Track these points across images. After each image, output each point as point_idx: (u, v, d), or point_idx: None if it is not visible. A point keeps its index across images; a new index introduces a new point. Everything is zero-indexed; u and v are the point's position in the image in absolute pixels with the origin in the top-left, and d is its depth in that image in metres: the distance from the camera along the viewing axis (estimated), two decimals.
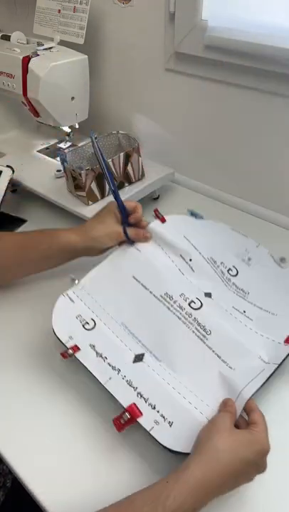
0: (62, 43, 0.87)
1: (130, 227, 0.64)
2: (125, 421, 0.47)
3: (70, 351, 0.52)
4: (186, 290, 0.59)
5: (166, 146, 0.95)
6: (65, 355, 0.52)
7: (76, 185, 0.77)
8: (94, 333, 0.55)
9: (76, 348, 0.53)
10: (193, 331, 0.55)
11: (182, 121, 0.89)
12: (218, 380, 0.51)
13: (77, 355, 0.52)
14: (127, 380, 0.50)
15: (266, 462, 0.43)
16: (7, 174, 0.82)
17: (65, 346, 0.53)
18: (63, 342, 0.54)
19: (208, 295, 0.59)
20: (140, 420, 0.47)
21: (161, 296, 0.58)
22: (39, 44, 0.83)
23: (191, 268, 0.63)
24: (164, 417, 0.47)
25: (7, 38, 0.91)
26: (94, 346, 0.53)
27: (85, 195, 0.77)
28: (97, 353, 0.53)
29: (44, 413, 0.54)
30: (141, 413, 0.47)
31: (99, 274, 0.62)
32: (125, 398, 0.49)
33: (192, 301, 0.57)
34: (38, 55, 0.80)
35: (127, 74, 0.93)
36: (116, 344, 0.54)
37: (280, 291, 0.63)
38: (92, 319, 0.57)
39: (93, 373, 0.51)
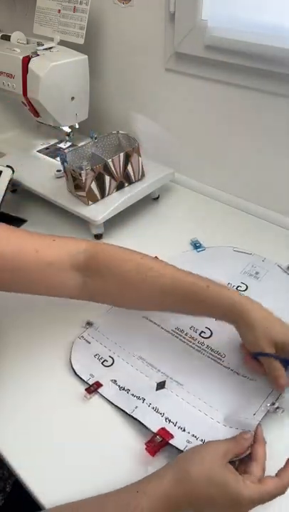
0: (62, 43, 0.87)
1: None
2: (157, 444, 0.47)
3: (94, 386, 0.54)
4: (195, 323, 0.62)
5: (166, 146, 0.95)
6: (90, 390, 0.54)
7: (76, 185, 0.77)
8: (113, 369, 0.57)
9: (98, 384, 0.54)
10: (208, 356, 0.58)
11: (182, 121, 0.89)
12: (240, 392, 0.52)
13: (101, 390, 0.54)
14: (154, 407, 0.51)
15: None
16: (7, 174, 0.82)
17: (88, 383, 0.55)
18: (85, 380, 0.55)
19: None
20: (173, 442, 0.47)
21: (173, 330, 0.62)
22: (39, 44, 0.83)
23: None
24: (195, 437, 0.48)
25: (7, 38, 0.91)
26: (115, 381, 0.55)
27: (85, 195, 0.77)
28: (119, 386, 0.54)
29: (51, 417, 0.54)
30: (172, 435, 0.48)
31: (111, 316, 0.64)
32: (154, 424, 0.49)
33: (202, 332, 0.61)
34: (38, 55, 0.80)
35: (127, 74, 0.93)
36: (137, 376, 0.56)
37: None
38: (110, 356, 0.58)
39: (118, 406, 0.52)
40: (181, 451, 0.46)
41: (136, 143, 0.80)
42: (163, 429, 0.49)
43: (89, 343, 0.60)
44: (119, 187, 0.81)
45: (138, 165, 0.81)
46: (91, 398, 0.54)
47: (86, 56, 0.84)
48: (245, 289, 0.67)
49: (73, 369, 0.57)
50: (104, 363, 0.57)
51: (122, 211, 0.80)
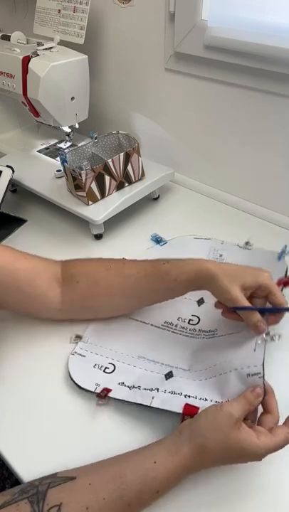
0: (62, 43, 0.87)
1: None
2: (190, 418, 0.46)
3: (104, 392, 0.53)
4: (181, 312, 0.64)
5: (166, 146, 0.95)
6: (100, 395, 0.52)
7: (76, 185, 0.77)
8: (117, 373, 0.56)
9: (108, 390, 0.53)
10: (204, 337, 0.59)
11: (182, 121, 0.89)
12: (241, 346, 0.53)
13: (111, 394, 0.52)
14: (170, 392, 0.51)
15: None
16: (7, 174, 0.82)
17: (95, 393, 0.53)
18: (92, 390, 0.53)
19: (200, 301, 0.65)
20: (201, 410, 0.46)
21: (162, 325, 0.62)
22: (39, 44, 0.83)
23: None
24: (218, 402, 0.48)
25: (7, 38, 0.91)
26: (123, 383, 0.54)
27: (85, 195, 0.77)
28: (129, 386, 0.53)
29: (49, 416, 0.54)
30: (197, 408, 0.47)
31: (98, 325, 0.63)
32: (176, 405, 0.48)
33: (190, 320, 0.63)
34: (38, 55, 0.80)
35: (127, 74, 0.93)
36: (143, 373, 0.55)
37: None
38: (110, 363, 0.57)
39: (135, 402, 0.51)
40: None
41: (136, 143, 0.80)
42: (187, 404, 0.48)
43: (84, 356, 0.58)
44: (119, 187, 0.81)
45: (138, 165, 0.81)
46: (104, 404, 0.53)
47: (86, 56, 0.84)
48: None
49: (77, 385, 0.54)
50: (106, 371, 0.56)
51: (122, 211, 0.80)
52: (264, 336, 0.51)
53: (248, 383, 0.48)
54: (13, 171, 0.82)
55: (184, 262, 0.55)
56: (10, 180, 0.82)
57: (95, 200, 0.79)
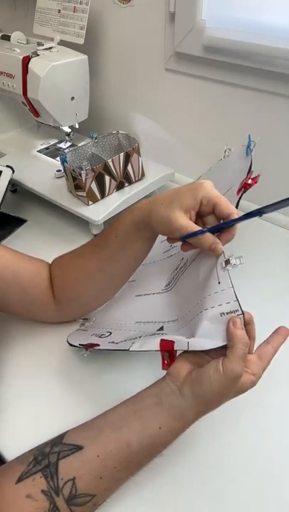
0: (62, 43, 0.87)
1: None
2: (168, 359, 0.45)
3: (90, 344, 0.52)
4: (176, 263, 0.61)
5: (166, 146, 0.95)
6: (88, 345, 0.52)
7: (76, 185, 0.77)
8: (111, 337, 0.54)
9: (94, 344, 0.52)
10: (182, 274, 0.56)
11: (182, 121, 0.89)
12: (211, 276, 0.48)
13: (97, 348, 0.51)
14: (151, 334, 0.49)
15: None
16: (7, 174, 0.82)
17: (83, 346, 0.53)
18: (81, 344, 0.53)
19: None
20: (176, 346, 0.44)
21: (166, 286, 0.60)
22: (39, 44, 0.83)
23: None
24: (188, 338, 0.45)
25: (7, 38, 0.91)
26: (113, 341, 0.52)
27: (85, 195, 0.77)
28: (116, 343, 0.51)
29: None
30: (172, 341, 0.44)
31: (104, 309, 0.63)
32: (154, 344, 0.45)
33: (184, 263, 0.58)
34: (38, 55, 0.81)
35: (127, 74, 0.93)
36: (136, 334, 0.52)
37: None
38: (107, 331, 0.56)
39: (115, 349, 0.49)
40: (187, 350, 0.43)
41: (136, 143, 0.80)
42: (162, 340, 0.45)
43: (86, 330, 0.59)
44: (119, 187, 0.81)
45: (138, 165, 0.81)
46: (90, 353, 0.53)
47: (86, 56, 0.84)
48: None
49: (69, 343, 0.55)
50: (102, 336, 0.55)
51: (122, 211, 0.80)
52: (224, 264, 0.45)
53: (221, 322, 0.43)
54: (13, 171, 0.82)
55: (123, 215, 0.52)
56: (10, 180, 0.82)
57: (95, 200, 0.79)
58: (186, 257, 0.57)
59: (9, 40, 0.90)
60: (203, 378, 0.40)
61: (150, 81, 0.89)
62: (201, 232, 0.45)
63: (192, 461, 0.49)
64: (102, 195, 0.79)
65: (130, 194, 0.80)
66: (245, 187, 0.54)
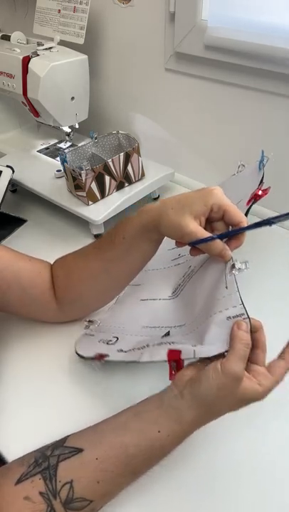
0: (62, 43, 0.87)
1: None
2: (176, 369, 0.44)
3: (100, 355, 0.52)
4: (184, 269, 0.60)
5: (166, 146, 0.95)
6: (97, 357, 0.52)
7: (76, 185, 0.77)
8: (119, 343, 0.54)
9: (103, 355, 0.52)
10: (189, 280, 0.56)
11: (182, 121, 0.89)
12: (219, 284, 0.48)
13: (107, 359, 0.51)
14: (158, 343, 0.48)
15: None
16: (7, 174, 0.82)
17: (92, 358, 0.53)
18: (92, 356, 0.53)
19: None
20: (182, 355, 0.44)
21: (172, 292, 0.59)
22: (39, 44, 0.83)
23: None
24: (194, 345, 0.44)
25: (7, 38, 0.91)
26: (121, 349, 0.52)
27: (85, 195, 0.77)
28: (125, 351, 0.51)
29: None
30: (178, 351, 0.44)
31: (110, 311, 0.63)
32: (163, 354, 0.45)
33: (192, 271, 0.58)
34: (38, 55, 0.80)
35: (127, 74, 0.93)
36: (143, 339, 0.53)
37: None
38: (114, 336, 0.56)
39: (125, 361, 0.49)
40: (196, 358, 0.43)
41: (136, 143, 0.80)
42: (169, 350, 0.44)
43: (92, 335, 0.59)
44: (119, 187, 0.81)
45: (138, 165, 0.81)
46: (103, 364, 0.53)
47: (86, 56, 0.84)
48: None
49: (79, 354, 0.55)
50: (109, 343, 0.55)
51: (122, 211, 0.80)
52: (230, 269, 0.46)
53: (228, 326, 0.43)
54: (13, 171, 0.82)
55: (130, 217, 0.51)
56: (10, 180, 0.82)
57: (95, 200, 0.79)
58: (194, 264, 0.57)
59: (9, 40, 0.90)
60: (202, 378, 0.40)
61: (150, 81, 0.89)
62: (211, 238, 0.46)
63: (193, 467, 0.48)
64: (102, 195, 0.79)
65: (130, 194, 0.80)
66: (255, 198, 0.55)
